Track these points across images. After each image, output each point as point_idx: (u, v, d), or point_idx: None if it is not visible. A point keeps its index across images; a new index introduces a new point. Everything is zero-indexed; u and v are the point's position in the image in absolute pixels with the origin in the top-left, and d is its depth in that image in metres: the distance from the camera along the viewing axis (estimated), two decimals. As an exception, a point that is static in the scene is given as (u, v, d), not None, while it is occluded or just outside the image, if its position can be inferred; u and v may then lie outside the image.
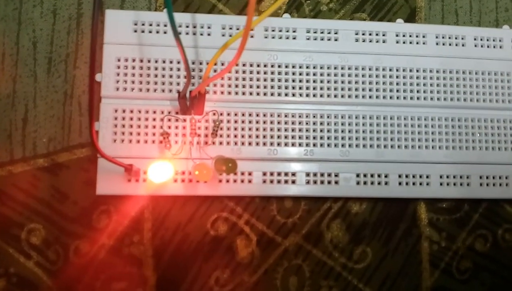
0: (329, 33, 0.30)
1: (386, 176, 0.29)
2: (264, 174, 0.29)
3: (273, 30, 0.30)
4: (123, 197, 0.29)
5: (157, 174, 0.25)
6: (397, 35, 0.31)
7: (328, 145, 0.29)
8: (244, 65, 0.29)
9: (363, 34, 0.30)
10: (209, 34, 0.29)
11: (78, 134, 0.29)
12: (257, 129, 0.29)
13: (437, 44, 0.31)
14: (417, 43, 0.31)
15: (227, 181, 0.28)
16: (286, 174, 0.29)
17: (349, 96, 0.30)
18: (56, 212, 0.28)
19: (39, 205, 0.28)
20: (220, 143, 0.28)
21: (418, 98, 0.30)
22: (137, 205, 0.29)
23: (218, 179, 0.28)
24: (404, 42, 0.31)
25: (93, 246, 0.28)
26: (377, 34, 0.31)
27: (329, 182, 0.29)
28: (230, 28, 0.29)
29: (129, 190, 0.28)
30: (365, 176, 0.29)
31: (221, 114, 0.28)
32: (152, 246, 0.29)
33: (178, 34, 0.21)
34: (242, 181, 0.28)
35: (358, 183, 0.29)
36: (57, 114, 0.29)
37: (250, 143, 0.29)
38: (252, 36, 0.30)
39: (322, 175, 0.29)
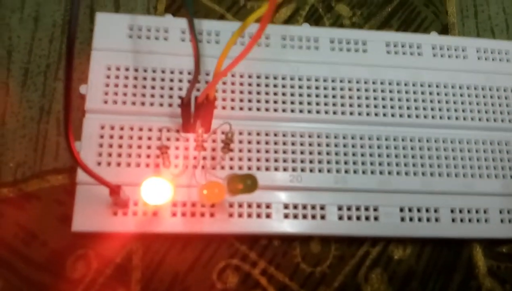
0: (356, 44, 0.26)
1: (435, 211, 0.24)
2: (286, 206, 0.23)
3: (291, 40, 0.26)
4: (105, 237, 0.22)
5: (153, 193, 0.19)
6: (433, 48, 0.27)
7: (364, 172, 0.24)
8: (258, 77, 0.25)
9: (395, 46, 0.26)
10: (217, 42, 0.25)
11: (54, 157, 0.23)
12: (275, 151, 0.24)
13: (478, 58, 0.27)
14: (457, 57, 0.27)
15: (240, 215, 0.22)
16: (313, 207, 0.23)
17: (384, 114, 0.25)
18: (20, 257, 0.22)
19: (-4, 248, 0.22)
20: (231, 167, 0.23)
21: (464, 118, 0.25)
22: (123, 248, 0.22)
23: (228, 212, 0.22)
24: (442, 56, 0.27)
25: (64, 302, 0.22)
26: (410, 47, 0.26)
27: (366, 218, 0.23)
28: (242, 37, 0.25)
29: (114, 226, 0.21)
30: (410, 210, 0.24)
31: (232, 134, 0.23)
32: (141, 303, 0.22)
33: (192, 12, 0.17)
34: (259, 216, 0.23)
35: (402, 219, 0.23)
36: (29, 134, 0.23)
37: (267, 169, 0.23)
38: (267, 46, 0.25)
39: (358, 208, 0.23)
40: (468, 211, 0.24)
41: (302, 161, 0.24)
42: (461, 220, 0.24)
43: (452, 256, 0.25)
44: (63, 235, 0.22)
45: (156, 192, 0.19)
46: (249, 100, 0.24)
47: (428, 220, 0.24)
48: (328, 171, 0.24)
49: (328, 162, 0.24)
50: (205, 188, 0.19)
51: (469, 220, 0.24)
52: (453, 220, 0.24)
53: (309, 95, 0.25)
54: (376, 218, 0.23)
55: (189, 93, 0.20)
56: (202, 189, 0.19)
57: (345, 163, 0.24)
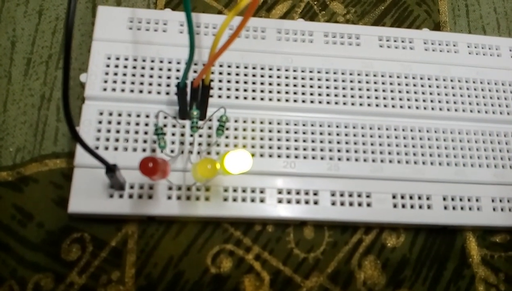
0: (349, 38, 0.27)
1: (428, 198, 0.24)
2: (280, 192, 0.23)
3: (286, 34, 0.26)
4: (101, 222, 0.23)
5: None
6: (425, 43, 0.27)
7: (357, 159, 0.24)
8: (254, 68, 0.25)
9: (388, 40, 0.27)
10: (214, 35, 0.26)
11: (53, 142, 0.24)
12: (270, 139, 0.24)
13: (469, 53, 0.28)
14: (448, 51, 0.27)
15: (234, 200, 0.23)
16: (306, 193, 0.23)
17: (377, 105, 0.25)
18: (15, 237, 0.22)
19: (-6, 229, 0.22)
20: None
21: (456, 109, 0.26)
22: (119, 232, 0.23)
23: (223, 197, 0.23)
24: (433, 50, 0.27)
25: (59, 284, 0.22)
26: (403, 41, 0.27)
27: (359, 204, 0.23)
28: (239, 30, 0.26)
29: (110, 208, 0.22)
30: (402, 197, 0.24)
31: (227, 118, 0.23)
32: (136, 286, 0.22)
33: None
34: (253, 200, 0.23)
35: (395, 205, 0.24)
36: (29, 121, 0.24)
37: (262, 155, 0.24)
38: (263, 38, 0.26)
39: (350, 195, 0.24)
40: (460, 199, 0.24)
41: (296, 148, 0.24)
42: (453, 208, 0.24)
43: (446, 245, 0.25)
44: (60, 218, 0.23)
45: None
46: (245, 90, 0.25)
47: (420, 207, 0.24)
48: (322, 158, 0.24)
49: (321, 150, 0.24)
50: (198, 164, 0.19)
51: (461, 208, 0.24)
52: (445, 208, 0.24)
53: (303, 86, 0.25)
54: (368, 204, 0.23)
55: (185, 77, 0.21)
56: (195, 166, 0.20)
57: (338, 150, 0.24)
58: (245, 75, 0.25)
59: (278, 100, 0.25)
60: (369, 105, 0.25)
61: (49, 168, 0.23)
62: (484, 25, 0.31)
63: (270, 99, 0.25)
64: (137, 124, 0.23)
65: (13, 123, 0.24)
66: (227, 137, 0.24)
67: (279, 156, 0.24)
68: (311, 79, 0.25)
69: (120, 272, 0.22)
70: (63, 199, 0.23)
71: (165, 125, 0.23)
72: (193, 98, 0.22)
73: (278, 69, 0.25)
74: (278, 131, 0.24)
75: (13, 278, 0.21)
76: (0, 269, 0.22)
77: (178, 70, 0.25)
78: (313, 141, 0.24)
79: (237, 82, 0.25)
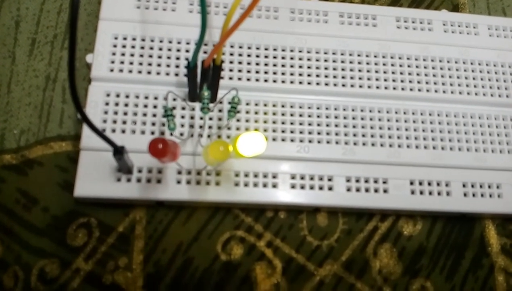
0: (366, 18, 0.26)
1: (447, 185, 0.23)
2: (293, 177, 0.22)
3: (300, 13, 0.25)
4: (108, 207, 0.22)
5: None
6: (444, 24, 0.26)
7: (373, 144, 0.23)
8: (266, 49, 0.24)
9: (405, 21, 0.26)
10: (225, 15, 0.25)
11: (58, 124, 0.23)
12: (283, 122, 0.23)
13: (490, 35, 0.26)
14: (468, 33, 0.26)
15: (246, 185, 0.22)
16: (320, 178, 0.22)
17: (394, 88, 0.24)
18: (20, 222, 0.21)
19: (-2, 213, 0.21)
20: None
21: (476, 93, 0.25)
22: (126, 217, 0.22)
23: (234, 181, 0.22)
24: (453, 32, 0.26)
25: (65, 270, 0.21)
26: (421, 22, 0.26)
27: (375, 190, 0.23)
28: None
29: (117, 192, 0.21)
30: (420, 184, 0.23)
31: (239, 100, 0.22)
32: (144, 273, 0.21)
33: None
34: (265, 185, 0.22)
35: (412, 192, 0.23)
36: (34, 102, 0.23)
37: (274, 139, 0.23)
38: (276, 18, 0.25)
39: (366, 180, 0.23)
40: (480, 186, 0.23)
41: (309, 132, 0.23)
42: (473, 195, 0.23)
43: (464, 233, 0.24)
44: (65, 202, 0.22)
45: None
46: (257, 72, 0.24)
47: (439, 193, 0.23)
48: (336, 142, 0.23)
49: (336, 134, 0.23)
50: (209, 146, 0.18)
51: (482, 195, 0.23)
52: (465, 195, 0.23)
53: (317, 68, 0.24)
54: (385, 191, 0.23)
55: (195, 56, 0.20)
56: (206, 147, 0.19)
57: (354, 135, 0.23)
58: (257, 56, 0.24)
59: (291, 82, 0.24)
60: (385, 88, 0.24)
61: (54, 151, 0.22)
62: (505, 7, 0.29)
63: (283, 82, 0.24)
64: (145, 106, 0.22)
65: (17, 105, 0.23)
66: (238, 120, 0.23)
67: (292, 140, 0.23)
68: (325, 61, 0.24)
69: (127, 259, 0.22)
70: (68, 183, 0.22)
71: (174, 108, 0.22)
72: (203, 80, 0.21)
73: (291, 51, 0.24)
74: (291, 115, 0.23)
75: (18, 264, 0.21)
76: (5, 255, 0.21)
77: (187, 51, 0.24)
78: (327, 125, 0.23)
79: (248, 63, 0.24)
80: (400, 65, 0.25)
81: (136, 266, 0.22)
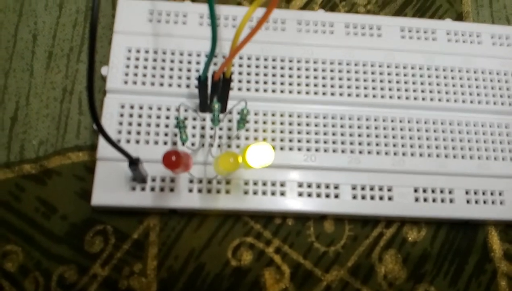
0: (371, 29, 0.26)
1: (450, 192, 0.24)
2: (300, 185, 0.23)
3: (307, 25, 0.26)
4: (123, 215, 0.23)
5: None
6: (448, 34, 0.27)
7: (378, 153, 0.24)
8: (274, 60, 0.25)
9: (410, 31, 0.27)
10: (234, 27, 0.26)
11: (75, 135, 0.24)
12: (290, 132, 0.24)
13: (493, 44, 0.27)
14: (471, 42, 0.27)
15: (255, 193, 0.23)
16: (327, 186, 0.23)
17: (399, 97, 0.25)
18: (40, 230, 0.22)
19: (19, 221, 0.22)
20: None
21: (479, 102, 0.26)
22: (141, 225, 0.23)
23: (243, 190, 0.23)
24: (456, 41, 0.27)
25: (83, 275, 0.22)
26: (425, 32, 0.27)
27: (380, 198, 0.23)
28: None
29: (132, 200, 0.22)
30: (424, 191, 0.24)
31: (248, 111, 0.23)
32: (157, 278, 0.22)
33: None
34: (273, 193, 0.23)
35: (416, 199, 0.23)
36: (52, 114, 0.24)
37: (282, 148, 0.24)
38: (283, 30, 0.26)
39: (372, 188, 0.23)
40: (483, 193, 0.24)
41: (316, 141, 0.24)
42: (476, 202, 0.24)
43: (467, 239, 0.25)
44: (82, 210, 0.23)
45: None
46: (265, 82, 0.25)
47: (442, 201, 0.24)
48: (342, 151, 0.24)
49: (342, 143, 0.24)
50: (220, 157, 0.19)
51: (484, 202, 0.24)
52: (467, 202, 0.24)
53: (324, 78, 0.25)
54: (390, 198, 0.23)
55: (206, 69, 0.21)
56: (217, 158, 0.20)
57: (359, 143, 0.24)
58: (265, 67, 0.25)
59: (299, 92, 0.25)
60: (390, 97, 0.25)
61: (72, 161, 0.23)
62: (508, 15, 0.30)
63: (290, 92, 0.25)
64: (158, 117, 0.23)
65: (36, 116, 0.24)
66: (247, 130, 0.24)
67: (299, 149, 0.24)
68: (331, 71, 0.25)
69: (142, 264, 0.23)
70: (86, 192, 0.23)
71: (185, 119, 0.23)
72: (213, 91, 0.22)
73: (298, 61, 0.25)
74: (299, 124, 0.24)
75: (38, 270, 0.22)
76: (25, 261, 0.22)
77: (198, 63, 0.25)
78: (333, 134, 0.24)
79: (257, 74, 0.25)
80: (405, 75, 0.26)
81: (150, 271, 0.23)
